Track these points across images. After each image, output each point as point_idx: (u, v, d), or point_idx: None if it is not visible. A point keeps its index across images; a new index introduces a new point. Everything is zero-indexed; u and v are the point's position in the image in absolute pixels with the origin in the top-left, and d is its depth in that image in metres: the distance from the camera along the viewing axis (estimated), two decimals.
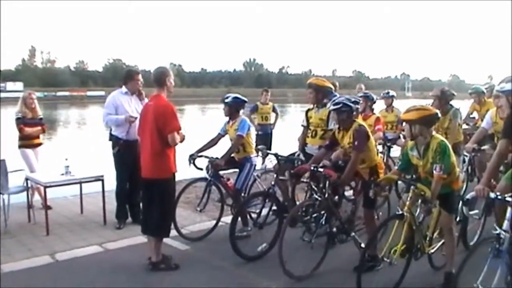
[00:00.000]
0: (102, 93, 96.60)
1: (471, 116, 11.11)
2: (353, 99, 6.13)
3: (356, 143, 5.86)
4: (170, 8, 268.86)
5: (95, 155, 15.06)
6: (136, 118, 7.18)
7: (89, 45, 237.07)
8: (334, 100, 6.13)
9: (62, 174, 7.63)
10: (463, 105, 8.92)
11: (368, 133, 6.01)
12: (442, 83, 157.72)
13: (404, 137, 9.80)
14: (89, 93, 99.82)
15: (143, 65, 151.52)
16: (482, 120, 8.97)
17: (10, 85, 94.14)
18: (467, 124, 10.57)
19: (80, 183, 7.92)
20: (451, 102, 8.28)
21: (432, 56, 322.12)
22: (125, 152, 7.40)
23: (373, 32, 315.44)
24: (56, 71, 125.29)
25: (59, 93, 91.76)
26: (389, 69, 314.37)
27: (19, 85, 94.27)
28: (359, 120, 6.27)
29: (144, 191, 6.04)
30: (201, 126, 19.68)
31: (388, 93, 10.58)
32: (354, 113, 6.11)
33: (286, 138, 12.19)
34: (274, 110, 13.30)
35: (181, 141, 5.89)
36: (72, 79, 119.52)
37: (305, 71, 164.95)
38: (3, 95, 75.13)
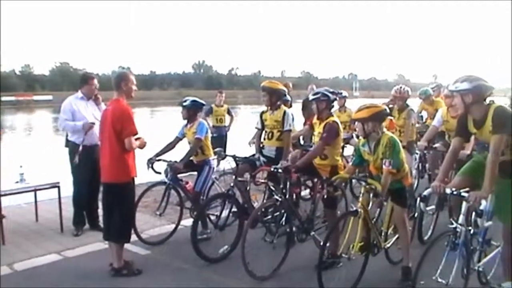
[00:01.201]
0: (50, 97, 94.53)
1: (419, 115, 11.46)
2: (331, 90, 6.40)
3: (324, 134, 6.09)
4: (118, 10, 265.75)
5: (48, 161, 14.87)
6: (94, 124, 7.19)
7: (35, 49, 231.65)
8: (314, 91, 6.45)
9: (17, 182, 7.50)
10: (410, 104, 9.21)
11: (338, 131, 6.22)
12: (389, 82, 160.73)
13: (357, 137, 10.07)
14: (36, 97, 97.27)
15: (92, 68, 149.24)
16: (432, 119, 9.28)
17: None
18: (418, 123, 10.88)
19: (35, 190, 7.76)
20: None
21: (379, 56, 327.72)
22: (83, 157, 7.30)
23: (321, 33, 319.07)
24: (1, 75, 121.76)
25: (4, 98, 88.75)
26: (337, 69, 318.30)
27: None
28: (335, 117, 6.46)
29: (104, 196, 5.99)
30: (152, 129, 19.51)
31: (341, 93, 10.74)
32: (333, 104, 6.39)
33: (240, 140, 12.29)
34: (229, 112, 13.33)
35: (142, 147, 5.92)
36: (18, 83, 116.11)
37: (254, 72, 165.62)
38: None
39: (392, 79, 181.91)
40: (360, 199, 5.35)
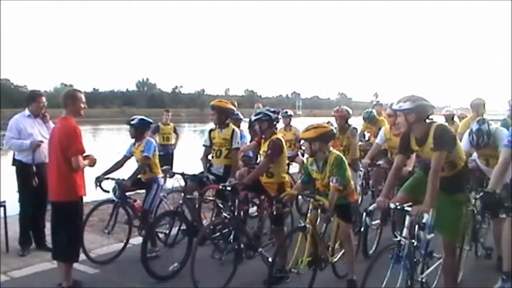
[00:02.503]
0: None
1: (362, 134, 11.79)
2: (272, 110, 6.56)
3: (269, 152, 6.23)
4: (60, 25, 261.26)
5: None
6: (42, 142, 7.13)
7: None
8: (256, 112, 6.62)
9: None
10: (353, 123, 9.47)
11: (282, 147, 6.37)
12: (331, 101, 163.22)
13: (303, 155, 10.27)
14: None
15: (33, 84, 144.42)
16: (375, 137, 9.56)
17: None
18: (361, 141, 11.16)
19: None
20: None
21: (321, 75, 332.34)
22: (29, 176, 7.19)
23: (264, 51, 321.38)
24: None
25: None
26: (280, 88, 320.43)
27: None
28: (279, 134, 6.62)
29: (52, 215, 5.92)
30: (95, 148, 19.31)
31: (286, 112, 10.94)
32: (275, 122, 6.52)
33: (186, 157, 12.33)
34: (175, 131, 13.46)
35: (92, 165, 5.91)
36: None
37: (198, 91, 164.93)
38: None
39: (334, 98, 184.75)
40: (309, 215, 5.51)
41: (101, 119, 79.02)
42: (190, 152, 9.87)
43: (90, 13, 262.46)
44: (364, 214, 4.90)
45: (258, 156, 7.30)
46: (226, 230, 6.34)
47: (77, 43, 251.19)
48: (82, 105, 5.89)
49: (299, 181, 6.10)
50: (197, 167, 7.73)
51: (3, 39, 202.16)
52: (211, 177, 6.89)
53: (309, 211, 5.56)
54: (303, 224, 5.49)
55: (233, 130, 7.23)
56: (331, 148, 5.73)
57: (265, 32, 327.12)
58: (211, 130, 7.44)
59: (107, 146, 24.53)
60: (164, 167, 7.59)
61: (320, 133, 5.60)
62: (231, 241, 6.19)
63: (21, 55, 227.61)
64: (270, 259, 6.22)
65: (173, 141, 13.39)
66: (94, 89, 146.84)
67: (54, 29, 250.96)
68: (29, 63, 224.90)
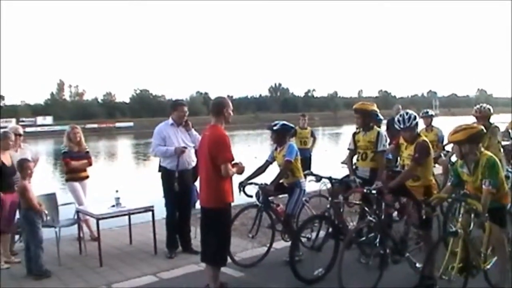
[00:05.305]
0: (131, 124, 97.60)
1: (510, 132, 11.10)
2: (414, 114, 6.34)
3: (416, 155, 6.04)
4: (195, 37, 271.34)
5: (137, 185, 15.44)
6: (186, 148, 7.44)
7: (116, 77, 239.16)
8: (400, 110, 6.38)
9: (113, 206, 7.68)
10: (496, 121, 8.96)
11: (429, 150, 6.19)
12: (470, 98, 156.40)
13: (445, 155, 9.88)
14: (118, 124, 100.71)
15: (170, 94, 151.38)
16: None
17: (39, 119, 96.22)
18: (505, 140, 10.52)
19: (130, 214, 7.97)
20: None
21: (458, 71, 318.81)
22: (173, 182, 7.51)
23: (398, 50, 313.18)
24: (84, 104, 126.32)
25: (88, 126, 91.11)
26: (415, 87, 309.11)
27: (48, 119, 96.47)
28: (423, 136, 6.43)
29: (202, 219, 6.11)
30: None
31: (427, 112, 10.61)
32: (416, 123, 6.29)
33: (322, 160, 12.29)
34: (312, 134, 13.59)
35: (240, 173, 6.04)
36: (100, 111, 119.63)
37: (330, 94, 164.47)
38: (33, 129, 77.04)
39: (473, 95, 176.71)
40: (460, 219, 5.27)
41: (235, 125, 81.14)
42: (326, 155, 9.77)
43: (224, 22, 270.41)
44: None
45: (398, 158, 7.10)
46: (371, 234, 6.24)
47: (212, 52, 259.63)
48: (230, 112, 6.01)
49: (448, 183, 5.85)
50: (334, 170, 7.65)
51: (144, 53, 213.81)
52: (358, 180, 6.83)
53: (461, 215, 5.31)
54: (454, 229, 5.27)
55: (378, 132, 7.11)
56: (482, 149, 5.45)
57: (398, 30, 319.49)
58: (355, 133, 7.37)
59: (243, 151, 25.05)
60: (306, 171, 7.58)
61: (469, 134, 5.32)
62: (377, 245, 6.09)
63: (159, 66, 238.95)
64: (417, 265, 6.06)
65: (309, 145, 13.49)
66: (228, 95, 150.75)
67: (190, 40, 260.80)
68: (167, 74, 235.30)
